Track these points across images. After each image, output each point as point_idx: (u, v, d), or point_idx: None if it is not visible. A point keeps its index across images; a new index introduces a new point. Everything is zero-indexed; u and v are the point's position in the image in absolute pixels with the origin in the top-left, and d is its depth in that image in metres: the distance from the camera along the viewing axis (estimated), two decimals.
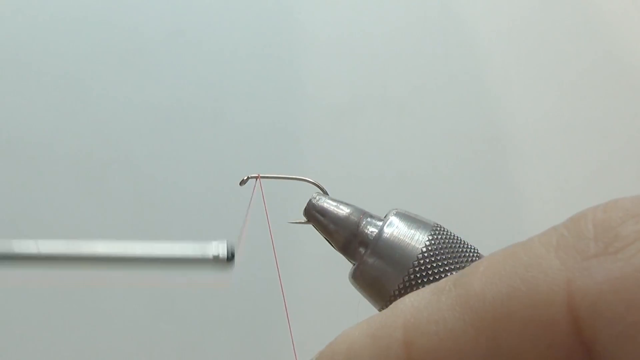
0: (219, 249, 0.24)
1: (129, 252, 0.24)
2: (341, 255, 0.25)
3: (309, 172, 0.26)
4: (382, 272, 0.23)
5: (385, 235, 0.23)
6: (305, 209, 0.25)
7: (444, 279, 0.18)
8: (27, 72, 0.68)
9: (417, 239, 0.23)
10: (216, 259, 0.24)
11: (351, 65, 0.73)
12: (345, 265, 0.25)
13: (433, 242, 0.23)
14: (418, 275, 0.23)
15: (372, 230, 0.24)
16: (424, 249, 0.23)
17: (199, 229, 0.67)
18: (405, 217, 0.24)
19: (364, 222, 0.24)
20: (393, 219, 0.24)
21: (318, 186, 0.26)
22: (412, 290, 0.23)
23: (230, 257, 0.24)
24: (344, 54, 0.73)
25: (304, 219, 0.25)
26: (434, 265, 0.23)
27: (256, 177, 0.27)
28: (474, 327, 0.16)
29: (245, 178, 0.27)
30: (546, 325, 0.15)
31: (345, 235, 0.24)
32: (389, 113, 0.72)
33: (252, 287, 0.65)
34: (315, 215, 0.25)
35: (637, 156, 0.73)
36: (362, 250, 0.24)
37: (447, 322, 0.16)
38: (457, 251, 0.23)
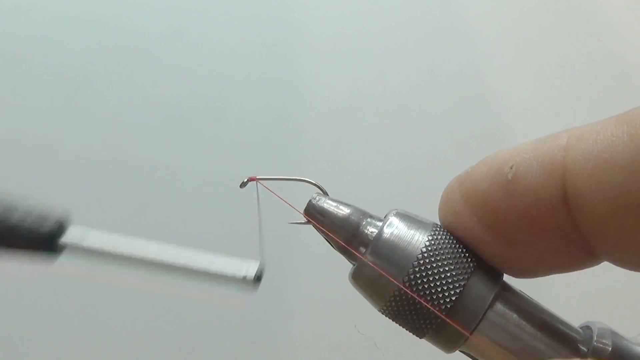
0: (249, 269, 0.24)
1: (157, 256, 0.24)
2: (341, 255, 0.25)
3: (309, 172, 0.26)
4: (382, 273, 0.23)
5: (385, 235, 0.23)
6: (305, 210, 0.25)
7: None
8: (28, 72, 0.68)
9: (416, 239, 0.23)
10: (244, 280, 0.24)
11: (350, 64, 0.73)
12: (345, 266, 0.25)
13: (433, 242, 0.23)
14: (418, 275, 0.23)
15: (371, 230, 0.24)
16: (424, 249, 0.23)
17: (198, 228, 0.67)
18: (405, 217, 0.24)
19: (363, 223, 0.24)
20: (393, 219, 0.24)
21: (318, 186, 0.26)
22: (411, 290, 0.23)
23: (258, 279, 0.24)
24: (343, 53, 0.73)
25: (304, 219, 0.25)
26: (434, 265, 0.23)
27: (254, 180, 0.27)
28: (629, 135, 0.19)
29: (246, 180, 0.27)
30: None
31: (345, 236, 0.24)
32: (389, 112, 0.72)
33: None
34: (315, 216, 0.25)
35: None
36: (362, 250, 0.24)
37: (607, 130, 0.19)
38: (457, 251, 0.23)
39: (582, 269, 0.23)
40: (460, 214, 0.23)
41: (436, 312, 0.22)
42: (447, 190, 0.24)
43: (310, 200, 0.25)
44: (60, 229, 0.25)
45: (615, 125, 0.20)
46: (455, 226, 0.23)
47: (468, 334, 0.22)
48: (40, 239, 0.24)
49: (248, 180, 0.27)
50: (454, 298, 0.23)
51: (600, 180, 0.19)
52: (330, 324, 0.64)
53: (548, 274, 0.23)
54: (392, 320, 0.24)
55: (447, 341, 0.23)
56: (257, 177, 0.27)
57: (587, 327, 0.24)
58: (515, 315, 0.23)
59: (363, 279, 0.24)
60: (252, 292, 0.24)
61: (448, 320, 0.22)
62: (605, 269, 0.24)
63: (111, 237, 0.25)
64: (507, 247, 0.22)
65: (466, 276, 0.23)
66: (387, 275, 0.23)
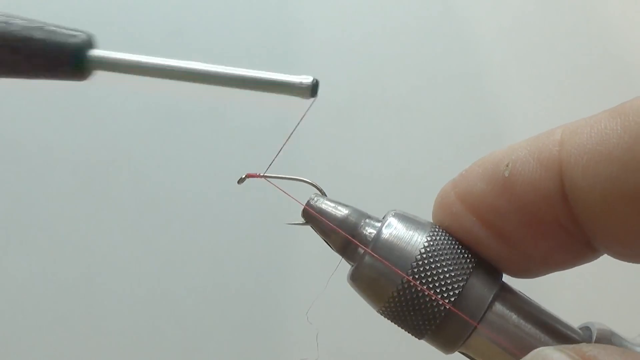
0: (305, 79, 0.24)
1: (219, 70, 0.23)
2: (340, 256, 0.25)
3: (308, 172, 0.26)
4: (381, 273, 0.23)
5: (383, 236, 0.23)
6: (303, 210, 0.25)
7: None
8: None
9: (415, 240, 0.23)
10: (301, 87, 0.24)
11: (350, 64, 0.73)
12: (344, 267, 0.25)
13: (432, 242, 0.23)
14: (417, 276, 0.23)
15: (370, 231, 0.24)
16: (422, 250, 0.23)
17: (199, 230, 0.66)
18: (404, 218, 0.24)
19: (362, 223, 0.24)
20: (391, 220, 0.24)
21: (316, 187, 0.26)
22: (410, 291, 0.23)
23: (314, 89, 0.24)
24: (343, 53, 0.73)
25: (302, 220, 0.25)
26: (433, 266, 0.23)
27: (252, 177, 0.27)
28: (623, 127, 0.19)
29: (244, 177, 0.27)
30: None
31: (343, 237, 0.24)
32: (389, 113, 0.72)
33: (252, 286, 0.65)
34: (313, 217, 0.25)
35: None
36: (360, 251, 0.24)
37: (600, 123, 0.20)
38: (455, 252, 0.23)
39: (581, 263, 0.23)
40: (459, 215, 0.23)
41: (443, 302, 0.22)
42: (441, 194, 0.24)
43: (308, 201, 0.25)
44: (88, 44, 0.24)
45: (608, 119, 0.20)
46: (454, 228, 0.23)
47: (475, 324, 0.22)
48: (68, 52, 0.23)
49: (246, 177, 0.27)
50: (453, 299, 0.22)
51: (595, 173, 0.19)
52: (330, 324, 0.64)
53: (548, 272, 0.23)
54: (391, 321, 0.24)
55: (447, 341, 0.23)
56: (258, 173, 0.27)
57: (586, 328, 0.24)
58: (514, 316, 0.23)
59: (362, 280, 0.24)
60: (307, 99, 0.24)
61: (455, 311, 0.22)
62: (605, 269, 0.24)
63: (142, 57, 0.24)
64: (507, 245, 0.22)
65: (465, 276, 0.23)
66: (392, 268, 0.23)
